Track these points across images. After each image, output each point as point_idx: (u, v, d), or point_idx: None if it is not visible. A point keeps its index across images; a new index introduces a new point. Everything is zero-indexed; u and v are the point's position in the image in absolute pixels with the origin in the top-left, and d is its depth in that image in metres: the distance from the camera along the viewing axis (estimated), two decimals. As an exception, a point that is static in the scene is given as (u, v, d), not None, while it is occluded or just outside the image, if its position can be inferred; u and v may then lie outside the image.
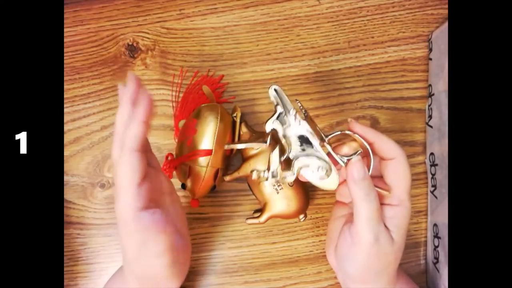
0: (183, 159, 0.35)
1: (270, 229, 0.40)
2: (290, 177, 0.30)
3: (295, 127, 0.30)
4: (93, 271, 0.40)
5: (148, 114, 0.27)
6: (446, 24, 0.37)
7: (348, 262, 0.30)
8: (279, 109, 0.30)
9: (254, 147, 0.36)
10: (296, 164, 0.30)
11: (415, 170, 0.40)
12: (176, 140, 0.39)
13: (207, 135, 0.35)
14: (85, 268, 0.40)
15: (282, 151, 0.30)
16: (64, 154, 0.41)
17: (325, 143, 0.31)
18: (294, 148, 0.30)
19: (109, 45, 0.42)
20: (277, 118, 0.30)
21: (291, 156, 0.30)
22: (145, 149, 0.28)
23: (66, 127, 0.41)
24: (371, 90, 0.41)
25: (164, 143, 0.41)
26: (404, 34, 0.41)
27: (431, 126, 0.39)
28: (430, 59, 0.40)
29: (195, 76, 0.41)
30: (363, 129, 0.30)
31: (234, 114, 0.38)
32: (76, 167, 0.41)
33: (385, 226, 0.29)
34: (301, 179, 0.31)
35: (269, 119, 0.30)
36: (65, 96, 0.41)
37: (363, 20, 0.41)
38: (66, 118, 0.41)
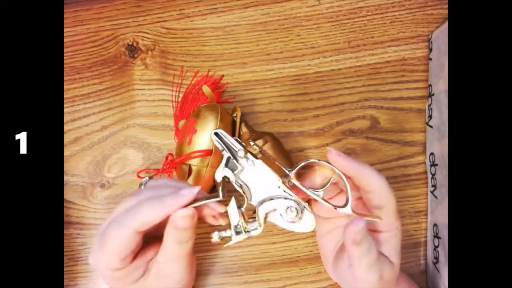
0: (183, 159, 0.35)
1: (270, 229, 0.40)
2: (256, 230, 0.27)
3: (249, 169, 0.26)
4: (93, 271, 0.40)
5: (177, 208, 0.25)
6: (446, 24, 0.37)
7: (343, 279, 0.31)
8: (226, 154, 0.26)
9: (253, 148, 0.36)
10: (261, 211, 0.27)
11: (415, 170, 0.40)
12: (176, 140, 0.39)
13: (207, 135, 0.35)
14: (85, 268, 0.40)
15: (240, 201, 0.27)
16: (64, 154, 0.41)
17: (290, 179, 0.27)
18: (255, 193, 0.27)
19: (109, 45, 0.42)
20: (226, 165, 0.26)
21: (253, 203, 0.27)
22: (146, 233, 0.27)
23: (66, 127, 0.41)
24: (371, 90, 0.41)
25: (164, 143, 0.41)
26: (404, 34, 0.41)
27: (431, 126, 0.39)
28: (430, 59, 0.40)
29: (195, 76, 0.41)
30: (343, 162, 0.27)
31: (234, 114, 0.38)
32: (76, 167, 0.41)
33: (382, 254, 0.29)
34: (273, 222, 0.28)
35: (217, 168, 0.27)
36: (65, 96, 0.41)
37: (363, 20, 0.41)
38: (66, 118, 0.41)
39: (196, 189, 0.26)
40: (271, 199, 0.27)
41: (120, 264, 0.26)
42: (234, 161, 0.26)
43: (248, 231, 0.26)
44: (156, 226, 0.27)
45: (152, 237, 0.29)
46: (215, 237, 0.27)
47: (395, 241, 0.29)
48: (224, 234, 0.27)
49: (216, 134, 0.26)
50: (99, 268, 0.27)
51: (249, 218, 0.28)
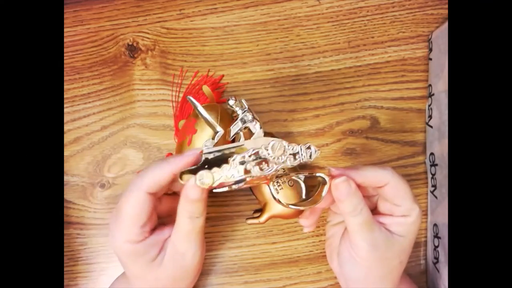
0: (183, 159, 0.35)
1: (270, 229, 0.40)
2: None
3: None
4: (93, 271, 0.40)
5: (182, 167, 0.27)
6: (446, 24, 0.37)
7: (350, 268, 0.31)
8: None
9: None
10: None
11: (415, 170, 0.40)
12: (176, 140, 0.39)
13: (207, 135, 0.35)
14: (85, 268, 0.40)
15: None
16: (64, 154, 0.41)
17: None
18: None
19: (109, 45, 0.42)
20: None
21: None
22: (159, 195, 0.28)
23: (66, 127, 0.41)
24: (371, 90, 0.41)
25: (164, 143, 0.41)
26: (404, 34, 0.41)
27: (431, 126, 0.39)
28: (430, 59, 0.40)
29: (195, 76, 0.41)
30: (346, 173, 0.29)
31: (234, 114, 0.38)
32: (76, 167, 0.41)
33: (390, 231, 0.29)
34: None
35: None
36: (65, 96, 0.41)
37: (363, 20, 0.41)
38: (66, 118, 0.41)
39: (199, 150, 0.27)
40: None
41: (138, 234, 0.27)
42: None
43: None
44: (170, 204, 0.29)
45: (169, 218, 0.30)
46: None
47: (411, 226, 0.29)
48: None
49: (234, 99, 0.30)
50: (118, 246, 0.27)
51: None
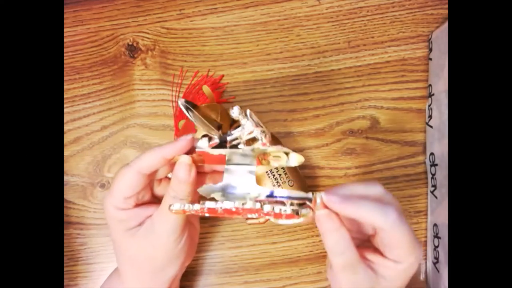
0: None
1: (270, 229, 0.40)
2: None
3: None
4: (93, 271, 0.40)
5: (173, 153, 0.27)
6: (446, 24, 0.37)
7: None
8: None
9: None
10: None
11: (415, 170, 0.40)
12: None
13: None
14: (85, 268, 0.40)
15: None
16: (64, 154, 0.41)
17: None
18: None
19: (109, 45, 0.42)
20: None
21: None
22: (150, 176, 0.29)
23: (66, 127, 0.41)
24: (371, 90, 0.41)
25: (164, 143, 0.40)
26: (404, 34, 0.41)
27: (431, 126, 0.39)
28: (430, 59, 0.40)
29: (195, 76, 0.41)
30: (339, 207, 0.25)
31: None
32: (76, 167, 0.41)
33: (376, 271, 0.27)
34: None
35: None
36: (65, 96, 0.41)
37: (363, 20, 0.41)
38: (66, 118, 0.41)
39: (190, 135, 0.28)
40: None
41: (122, 203, 0.29)
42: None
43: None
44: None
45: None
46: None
47: (402, 274, 0.26)
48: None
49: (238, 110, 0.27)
50: (106, 207, 0.29)
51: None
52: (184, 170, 0.27)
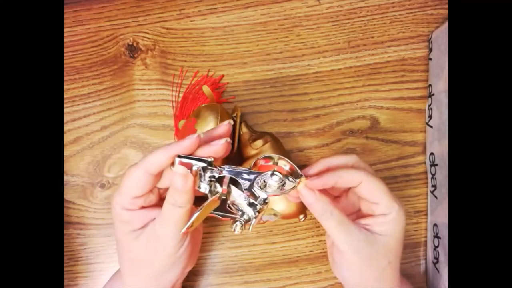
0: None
1: (270, 229, 0.40)
2: (264, 194, 0.28)
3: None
4: (93, 271, 0.40)
5: (180, 152, 0.28)
6: (446, 24, 0.37)
7: (344, 271, 0.31)
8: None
9: (253, 148, 0.36)
10: (255, 186, 0.28)
11: (415, 170, 0.40)
12: (176, 140, 0.39)
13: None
14: (85, 268, 0.40)
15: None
16: (64, 154, 0.41)
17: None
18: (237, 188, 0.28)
19: (109, 45, 0.42)
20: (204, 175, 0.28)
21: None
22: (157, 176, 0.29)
23: (66, 127, 0.41)
24: (371, 90, 0.41)
25: (164, 143, 0.41)
26: (404, 34, 0.41)
27: (431, 126, 0.39)
28: (430, 59, 0.40)
29: (195, 76, 0.41)
30: (321, 181, 0.29)
31: (234, 114, 0.38)
32: (76, 167, 0.41)
33: (372, 231, 0.30)
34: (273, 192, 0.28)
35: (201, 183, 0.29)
36: (65, 96, 0.41)
37: (363, 20, 0.41)
38: (66, 118, 0.41)
39: (196, 135, 0.28)
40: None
41: (128, 203, 0.29)
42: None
43: (262, 200, 0.27)
44: None
45: None
46: (237, 227, 0.27)
47: (394, 224, 0.29)
48: (243, 218, 0.27)
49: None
50: (113, 204, 0.29)
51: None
52: (180, 180, 0.27)
